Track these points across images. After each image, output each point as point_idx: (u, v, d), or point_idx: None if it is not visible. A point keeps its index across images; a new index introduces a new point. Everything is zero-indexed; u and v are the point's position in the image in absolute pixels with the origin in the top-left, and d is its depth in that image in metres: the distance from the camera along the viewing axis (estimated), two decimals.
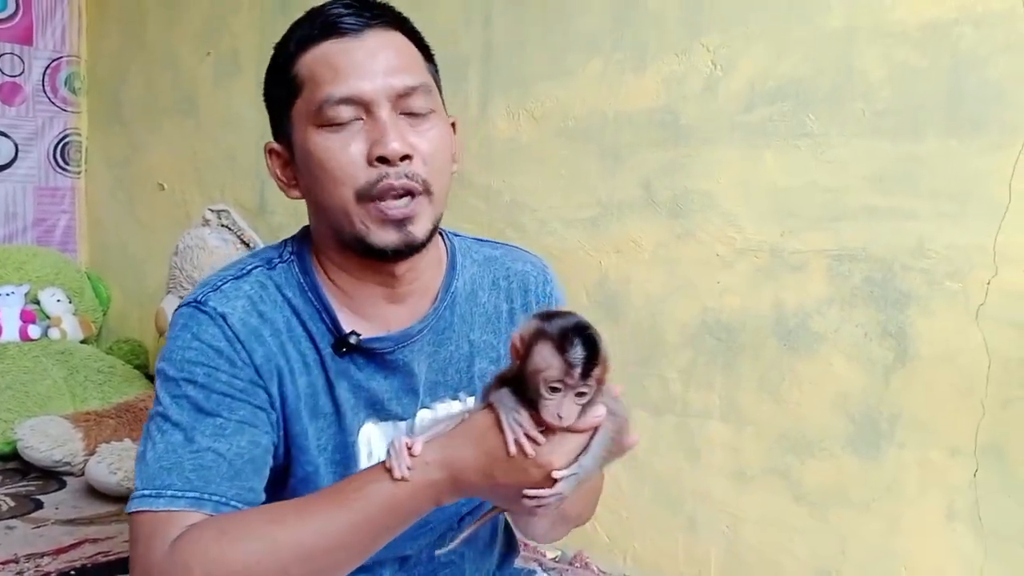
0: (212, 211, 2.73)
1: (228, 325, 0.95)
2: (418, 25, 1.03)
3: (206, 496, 0.88)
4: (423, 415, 1.06)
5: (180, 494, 0.88)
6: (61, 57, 3.64)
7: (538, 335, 0.79)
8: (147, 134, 3.41)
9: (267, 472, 0.96)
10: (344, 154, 0.94)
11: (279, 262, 1.03)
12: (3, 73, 3.50)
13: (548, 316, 0.81)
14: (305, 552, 0.84)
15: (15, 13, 3.51)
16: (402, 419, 1.05)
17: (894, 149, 1.56)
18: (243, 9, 2.92)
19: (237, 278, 1.00)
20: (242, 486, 0.91)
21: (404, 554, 1.09)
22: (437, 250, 1.07)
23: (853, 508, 1.64)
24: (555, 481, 0.81)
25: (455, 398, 1.08)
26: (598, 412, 0.81)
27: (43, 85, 3.60)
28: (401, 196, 0.94)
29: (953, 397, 1.52)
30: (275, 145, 1.04)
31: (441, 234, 1.10)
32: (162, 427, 0.92)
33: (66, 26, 3.64)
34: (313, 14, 0.99)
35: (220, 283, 1.00)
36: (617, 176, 1.95)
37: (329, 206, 0.96)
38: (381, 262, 0.98)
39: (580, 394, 0.79)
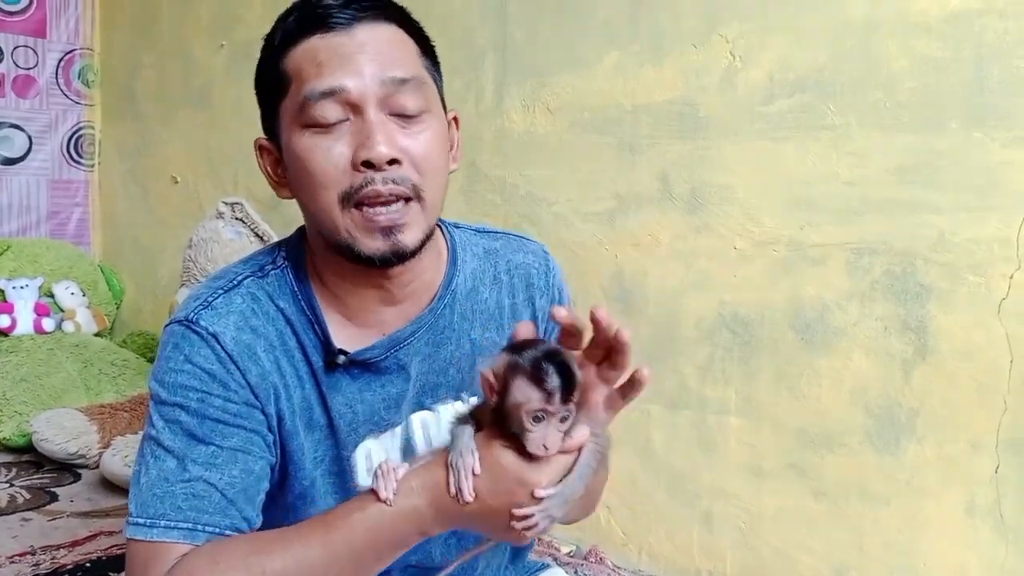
0: (226, 204, 2.73)
1: (221, 345, 0.92)
2: (434, 17, 1.00)
3: (199, 527, 0.87)
4: (420, 417, 1.04)
5: (173, 524, 0.87)
6: (74, 50, 3.65)
7: (512, 369, 0.79)
8: (160, 127, 3.41)
9: (262, 497, 0.94)
10: (328, 156, 0.89)
11: (272, 269, 1.00)
12: (17, 66, 3.51)
13: (518, 348, 0.81)
14: None
15: (29, 6, 3.52)
16: (399, 425, 1.03)
17: (916, 141, 1.55)
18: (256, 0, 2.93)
19: (228, 291, 0.97)
20: (236, 515, 0.90)
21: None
22: (437, 246, 1.03)
23: (872, 503, 1.62)
24: (541, 500, 0.80)
25: (457, 399, 1.05)
26: (581, 433, 0.82)
27: (56, 78, 3.61)
28: (389, 202, 0.90)
29: (974, 392, 1.51)
30: (266, 142, 1.00)
31: (441, 227, 1.06)
32: (155, 452, 0.91)
33: (79, 18, 3.65)
34: (302, 5, 0.94)
35: (212, 298, 0.96)
36: (634, 169, 1.93)
37: (314, 210, 0.93)
38: (370, 268, 0.94)
39: (562, 419, 0.79)
